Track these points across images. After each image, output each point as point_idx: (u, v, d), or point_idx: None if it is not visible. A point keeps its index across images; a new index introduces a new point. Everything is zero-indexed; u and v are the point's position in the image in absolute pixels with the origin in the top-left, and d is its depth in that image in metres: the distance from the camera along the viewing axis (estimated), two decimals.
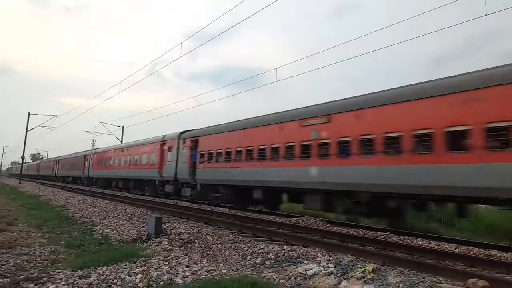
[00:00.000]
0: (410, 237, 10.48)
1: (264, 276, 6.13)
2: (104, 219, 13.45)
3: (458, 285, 5.60)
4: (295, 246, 8.10)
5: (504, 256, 8.17)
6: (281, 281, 5.87)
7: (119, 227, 11.57)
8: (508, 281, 5.99)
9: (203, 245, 8.61)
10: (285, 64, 73.73)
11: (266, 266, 6.86)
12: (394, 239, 10.16)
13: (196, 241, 8.96)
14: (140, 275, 6.00)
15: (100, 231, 11.15)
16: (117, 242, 9.41)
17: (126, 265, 6.76)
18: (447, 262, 7.51)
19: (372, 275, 5.52)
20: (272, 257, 7.25)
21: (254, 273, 6.38)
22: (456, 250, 8.76)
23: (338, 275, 5.75)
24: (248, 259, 7.39)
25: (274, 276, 6.10)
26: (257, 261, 7.16)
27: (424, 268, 6.53)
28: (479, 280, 5.59)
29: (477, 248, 9.06)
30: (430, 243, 9.57)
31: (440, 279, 5.94)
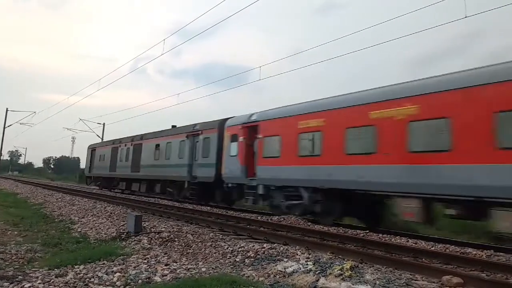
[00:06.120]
0: (388, 235, 10.63)
1: (244, 274, 6.14)
2: (82, 218, 13.26)
3: (433, 282, 5.72)
4: (275, 244, 8.13)
5: (479, 254, 8.34)
6: (260, 279, 5.89)
7: (98, 226, 11.43)
8: (482, 278, 6.12)
9: (183, 244, 8.57)
10: (268, 62, 73.81)
11: (246, 264, 6.88)
12: (372, 237, 10.28)
13: (176, 239, 8.91)
14: (118, 274, 5.94)
15: (79, 230, 11.00)
16: (95, 241, 9.30)
17: (104, 263, 6.68)
18: (423, 259, 7.64)
19: (350, 272, 5.59)
20: (252, 255, 7.27)
21: (234, 271, 6.38)
22: (433, 248, 8.90)
23: (317, 272, 5.81)
24: (228, 257, 7.40)
25: (253, 274, 6.11)
26: (237, 259, 7.17)
27: (401, 266, 6.64)
28: (453, 277, 5.72)
29: (453, 246, 9.23)
30: (408, 241, 9.72)
31: (416, 276, 6.06)
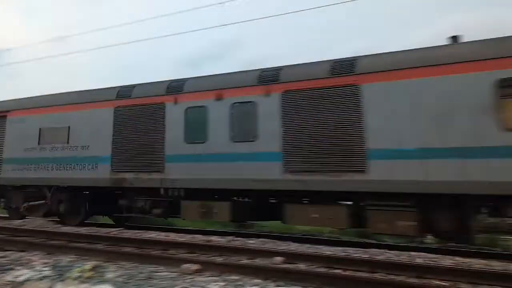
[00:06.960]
0: (142, 231, 10.73)
1: None
2: None
3: (174, 272, 6.02)
4: (9, 252, 7.14)
5: (220, 241, 9.26)
6: None
7: None
8: (218, 262, 6.78)
9: None
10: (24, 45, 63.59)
11: None
12: (127, 234, 10.18)
13: None
14: None
15: None
16: None
17: None
18: (172, 251, 7.98)
19: (91, 273, 5.37)
20: None
21: None
22: (183, 239, 9.42)
23: (53, 278, 5.36)
24: None
25: None
26: None
27: (147, 259, 6.74)
28: (193, 264, 6.16)
29: (200, 236, 10.00)
30: (159, 234, 10.01)
31: (159, 268, 6.25)
